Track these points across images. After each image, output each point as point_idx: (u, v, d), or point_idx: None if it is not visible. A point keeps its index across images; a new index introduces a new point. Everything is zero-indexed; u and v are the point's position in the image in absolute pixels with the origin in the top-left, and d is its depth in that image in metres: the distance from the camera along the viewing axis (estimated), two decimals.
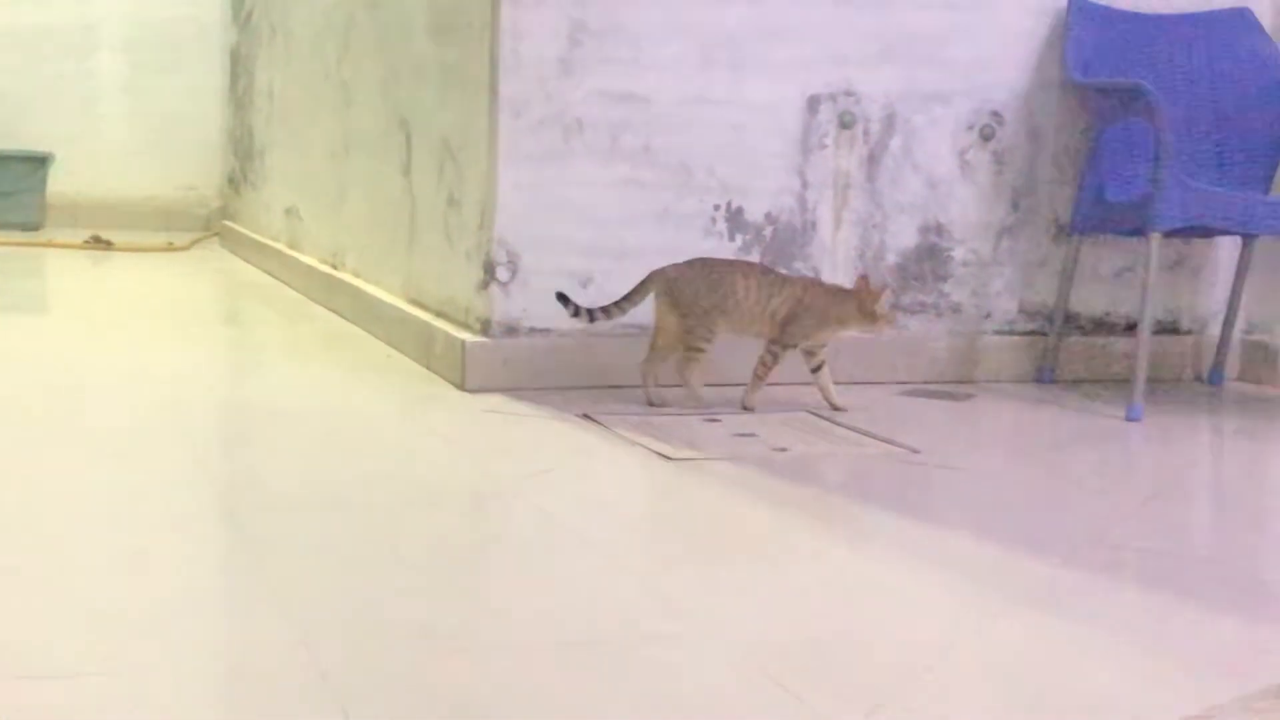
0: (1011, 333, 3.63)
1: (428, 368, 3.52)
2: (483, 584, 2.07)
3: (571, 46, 3.33)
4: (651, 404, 3.17)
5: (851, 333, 3.19)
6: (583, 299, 3.37)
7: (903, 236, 3.59)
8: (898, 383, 3.51)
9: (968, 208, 3.62)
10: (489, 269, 3.33)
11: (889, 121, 3.56)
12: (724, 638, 1.80)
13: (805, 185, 3.52)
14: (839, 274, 3.52)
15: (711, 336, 3.13)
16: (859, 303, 3.13)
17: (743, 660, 1.72)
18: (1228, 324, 3.73)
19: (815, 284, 3.22)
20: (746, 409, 3.16)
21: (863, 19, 3.50)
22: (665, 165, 3.42)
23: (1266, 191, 3.57)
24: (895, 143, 3.57)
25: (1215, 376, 3.74)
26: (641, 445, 2.80)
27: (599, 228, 3.39)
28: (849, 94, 3.52)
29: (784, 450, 2.84)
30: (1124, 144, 3.54)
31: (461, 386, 3.29)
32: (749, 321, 3.14)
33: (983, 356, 3.65)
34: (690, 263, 3.18)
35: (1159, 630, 1.90)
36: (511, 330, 3.35)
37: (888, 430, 3.02)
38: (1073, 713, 1.62)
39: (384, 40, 4.17)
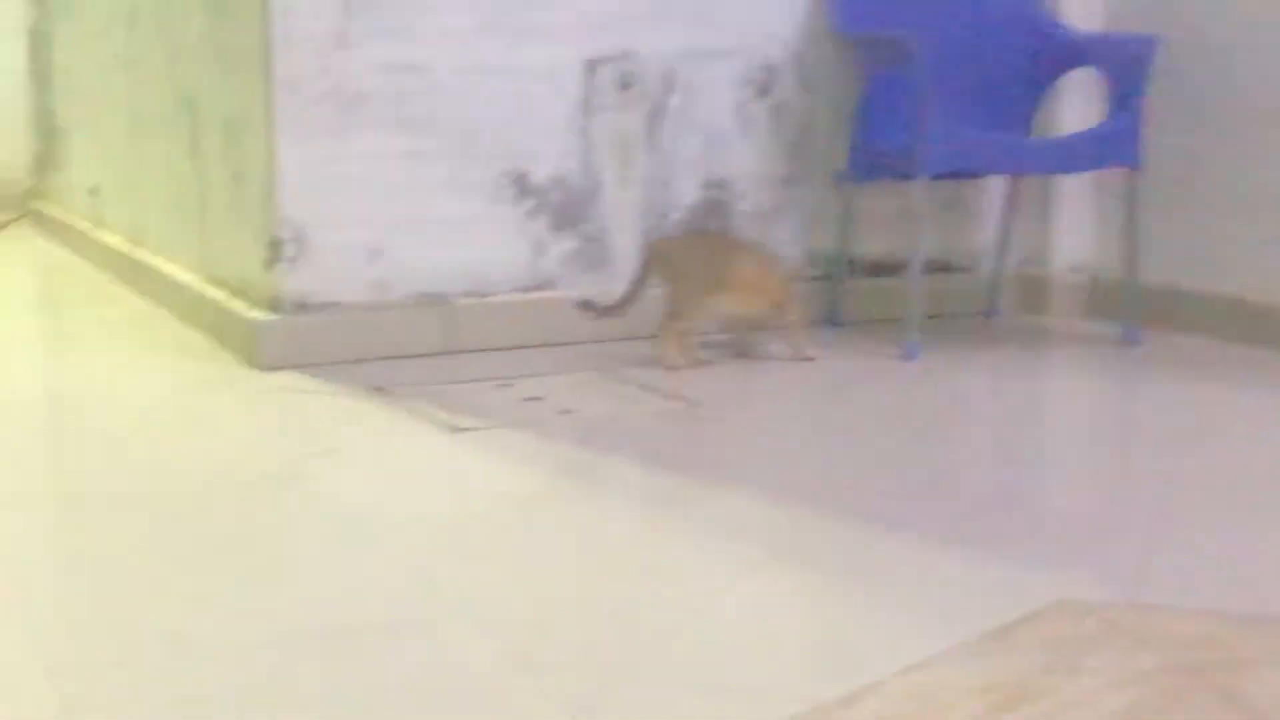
0: (800, 279, 3.73)
1: (223, 346, 3.53)
2: (245, 575, 2.06)
3: (346, 19, 3.34)
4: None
5: None
6: (373, 272, 3.41)
7: (686, 193, 3.67)
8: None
9: (748, 161, 3.71)
10: (275, 246, 3.35)
11: (667, 80, 3.62)
12: (487, 620, 1.85)
13: (589, 147, 3.57)
14: (627, 233, 3.60)
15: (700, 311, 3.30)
16: None
17: (503, 643, 1.77)
18: (1001, 259, 3.88)
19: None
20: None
21: None
22: (449, 134, 3.45)
23: (1028, 131, 3.70)
24: (674, 101, 3.63)
25: (992, 311, 3.89)
26: (429, 417, 2.86)
27: (386, 200, 3.41)
28: (626, 55, 3.58)
29: (569, 412, 2.91)
30: (891, 93, 3.64)
31: (254, 365, 3.30)
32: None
33: None
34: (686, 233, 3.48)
35: (904, 577, 2.00)
36: (302, 306, 3.37)
37: (677, 385, 3.11)
38: (821, 666, 1.72)
39: (165, 19, 4.13)
